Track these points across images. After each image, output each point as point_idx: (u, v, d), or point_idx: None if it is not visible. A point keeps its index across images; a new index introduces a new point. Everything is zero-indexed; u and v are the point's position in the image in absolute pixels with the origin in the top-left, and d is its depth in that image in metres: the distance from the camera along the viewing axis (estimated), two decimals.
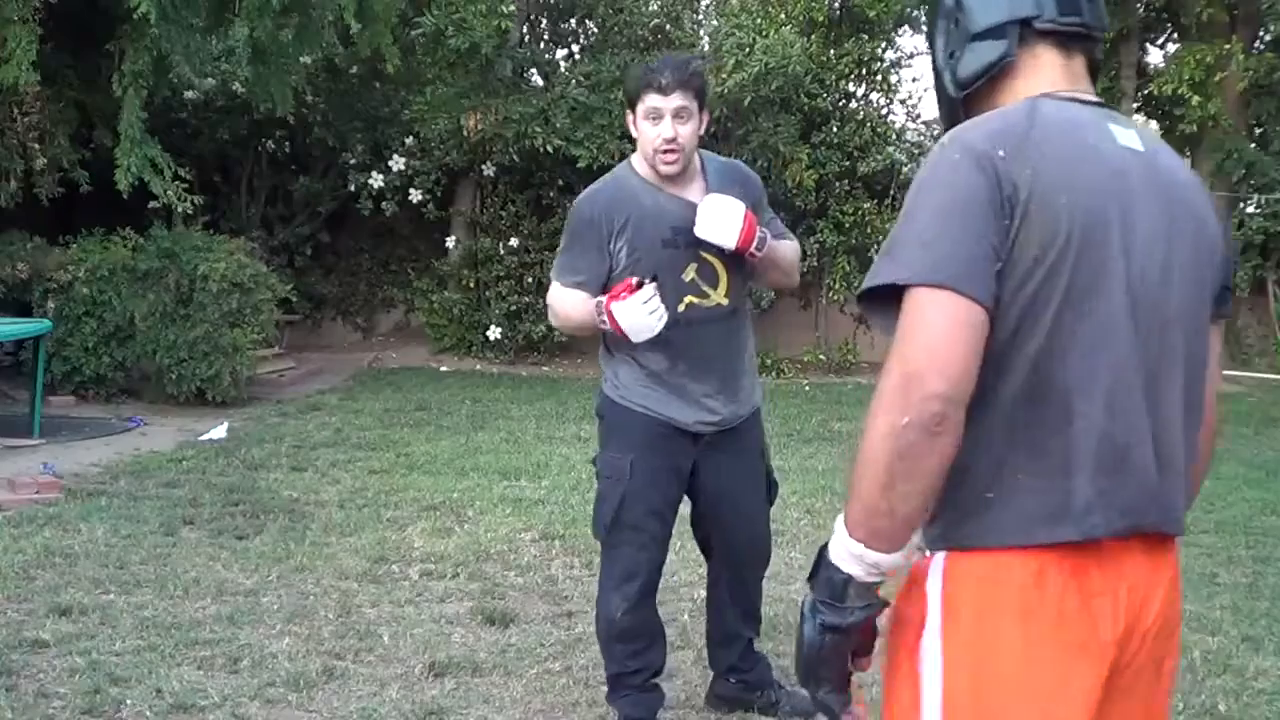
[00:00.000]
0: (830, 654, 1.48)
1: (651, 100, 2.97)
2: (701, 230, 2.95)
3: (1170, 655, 1.54)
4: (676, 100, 2.97)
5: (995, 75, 1.55)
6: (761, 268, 3.14)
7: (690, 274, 3.04)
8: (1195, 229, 1.50)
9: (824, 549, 1.47)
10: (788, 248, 3.26)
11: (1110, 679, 1.41)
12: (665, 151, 2.99)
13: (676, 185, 3.06)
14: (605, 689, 3.33)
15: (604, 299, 2.97)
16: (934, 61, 1.64)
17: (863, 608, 1.46)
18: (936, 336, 1.35)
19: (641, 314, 2.91)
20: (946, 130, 1.55)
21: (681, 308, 3.03)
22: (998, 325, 1.39)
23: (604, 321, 2.97)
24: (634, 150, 3.13)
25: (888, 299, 1.41)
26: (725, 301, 3.10)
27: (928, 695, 1.44)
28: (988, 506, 1.41)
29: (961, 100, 1.59)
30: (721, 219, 2.94)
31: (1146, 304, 1.42)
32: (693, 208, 2.99)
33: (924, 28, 2.16)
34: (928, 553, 1.48)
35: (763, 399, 3.35)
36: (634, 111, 3.04)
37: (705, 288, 3.06)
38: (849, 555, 1.42)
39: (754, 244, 2.98)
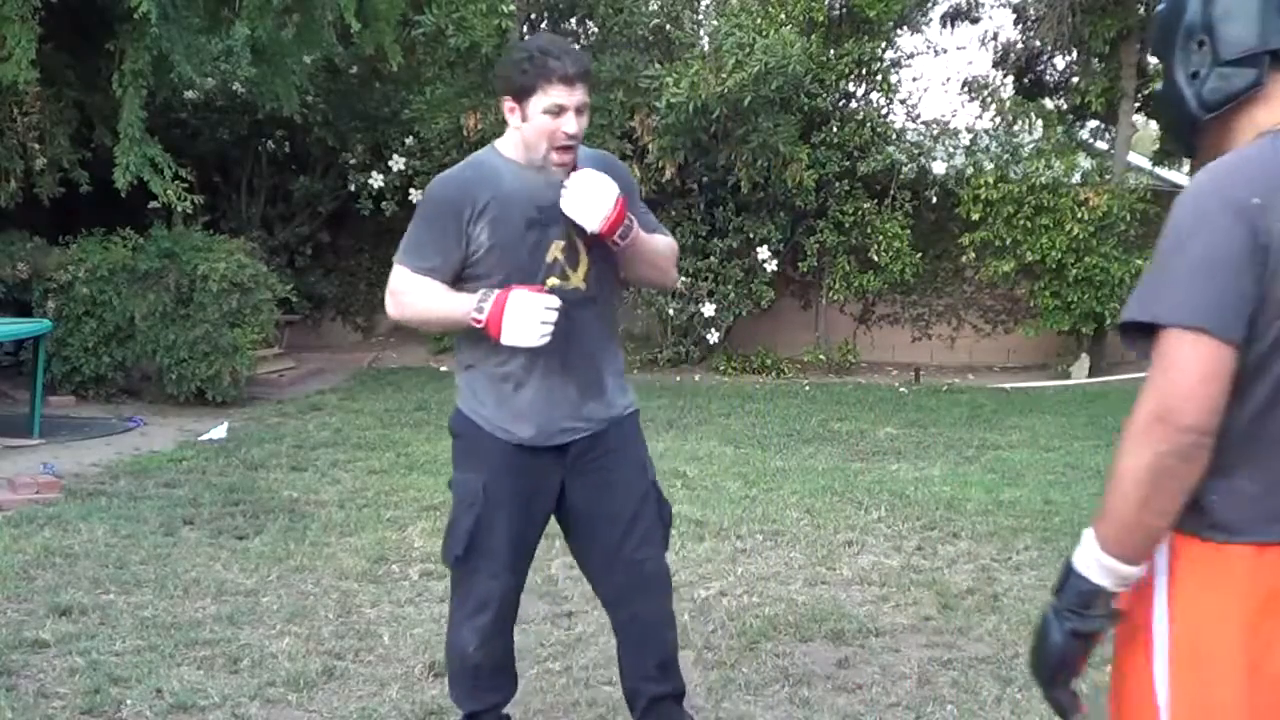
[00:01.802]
0: (1073, 658, 1.65)
1: (558, 94, 2.71)
2: (568, 205, 2.72)
3: None
4: (580, 95, 2.74)
5: (1240, 102, 1.65)
6: (628, 259, 2.90)
7: (554, 254, 2.82)
8: None
9: (1070, 563, 1.64)
10: (661, 242, 2.99)
11: None
12: (565, 148, 2.76)
13: (540, 169, 2.83)
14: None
15: (493, 291, 2.71)
16: (1171, 79, 1.71)
17: (1106, 616, 1.63)
18: (1193, 376, 1.52)
19: (537, 314, 2.66)
20: (1175, 145, 1.71)
21: (545, 288, 2.80)
22: (1247, 357, 1.55)
23: (480, 312, 2.69)
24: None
25: (1142, 330, 1.58)
26: (583, 286, 2.85)
27: (1158, 655, 1.61)
28: (1214, 506, 1.58)
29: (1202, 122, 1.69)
30: (590, 197, 2.72)
31: None
32: (559, 187, 2.77)
33: (1152, 44, 2.06)
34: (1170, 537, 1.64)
35: (636, 403, 3.04)
36: (522, 102, 2.75)
37: (567, 269, 2.84)
38: (1100, 568, 1.60)
39: (619, 231, 2.77)
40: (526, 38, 13.25)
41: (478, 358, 2.87)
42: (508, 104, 2.81)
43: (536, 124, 2.75)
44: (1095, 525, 1.60)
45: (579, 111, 2.76)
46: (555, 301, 2.69)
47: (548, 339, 2.69)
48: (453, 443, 2.98)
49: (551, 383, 2.84)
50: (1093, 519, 1.62)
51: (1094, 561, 1.60)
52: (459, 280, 2.82)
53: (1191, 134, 1.72)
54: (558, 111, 2.73)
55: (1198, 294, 1.53)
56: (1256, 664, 1.56)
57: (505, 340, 2.69)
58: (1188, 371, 1.52)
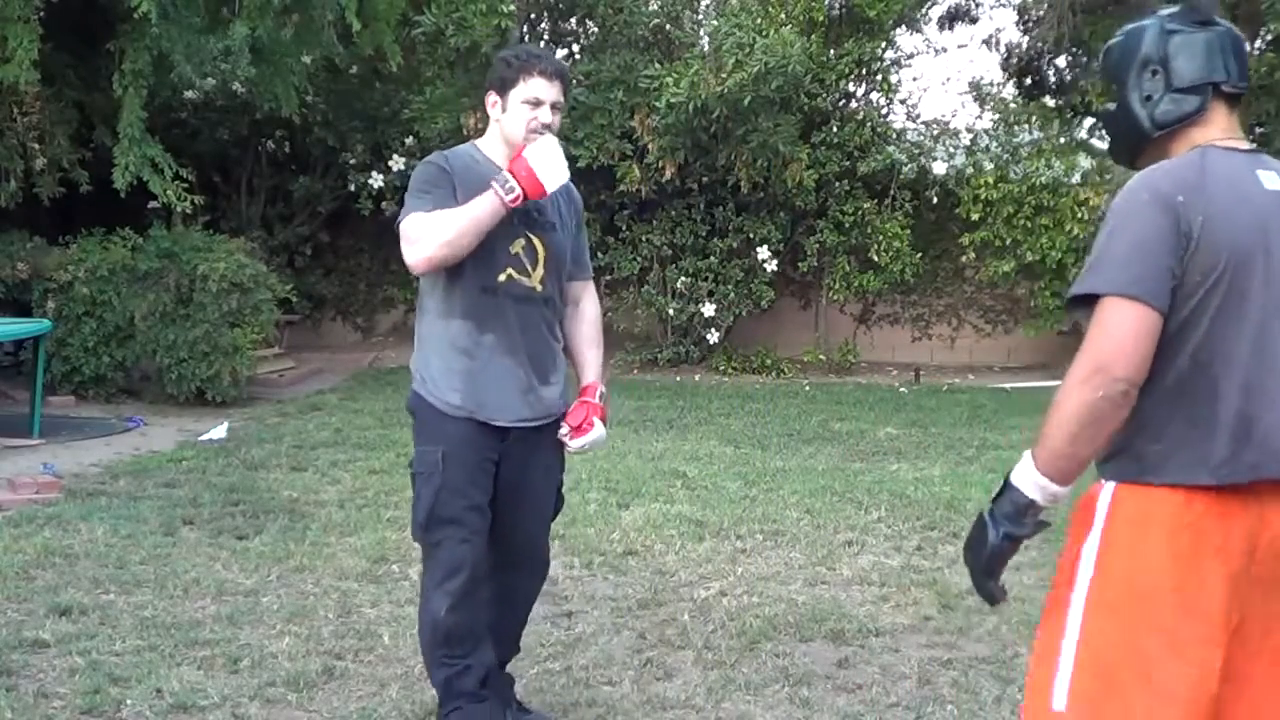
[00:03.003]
0: (1004, 556, 1.98)
1: (536, 86, 2.96)
2: (533, 152, 2.92)
3: None
4: (556, 92, 2.99)
5: (1184, 123, 2.00)
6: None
7: (516, 248, 3.02)
8: None
9: (1008, 479, 1.97)
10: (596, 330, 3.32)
11: (1241, 578, 1.86)
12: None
13: None
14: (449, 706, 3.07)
15: (504, 173, 2.91)
16: (1125, 101, 2.05)
17: (1035, 525, 1.97)
18: (1128, 335, 1.85)
19: (556, 153, 2.92)
20: (1119, 157, 2.14)
21: (502, 278, 2.99)
22: (1169, 325, 1.88)
23: (510, 192, 2.88)
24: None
25: (1085, 303, 1.90)
26: (540, 288, 3.06)
27: (1084, 563, 1.94)
28: (1152, 455, 1.90)
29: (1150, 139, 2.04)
30: (556, 158, 2.95)
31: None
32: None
33: (1106, 70, 2.31)
34: (1102, 482, 1.97)
35: (567, 408, 3.19)
36: (505, 93, 3.00)
37: (526, 265, 3.03)
38: (1034, 485, 1.93)
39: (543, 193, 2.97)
40: (525, 38, 13.28)
41: (439, 338, 3.04)
42: (491, 98, 3.05)
43: (515, 113, 2.99)
44: (1034, 450, 1.92)
45: (554, 108, 3.00)
46: (554, 139, 2.95)
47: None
48: (412, 423, 3.12)
49: (505, 365, 3.02)
50: (1035, 444, 1.93)
51: (1030, 480, 1.93)
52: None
53: (1138, 148, 2.06)
54: (536, 103, 2.97)
55: (1132, 269, 1.86)
56: (1183, 591, 1.84)
57: (549, 186, 2.91)
58: (1122, 331, 1.85)
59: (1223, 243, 1.87)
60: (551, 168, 2.92)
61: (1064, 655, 1.90)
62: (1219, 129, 2.00)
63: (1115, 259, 1.89)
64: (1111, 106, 2.10)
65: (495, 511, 3.09)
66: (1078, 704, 1.87)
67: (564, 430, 3.12)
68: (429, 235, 2.90)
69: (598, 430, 3.13)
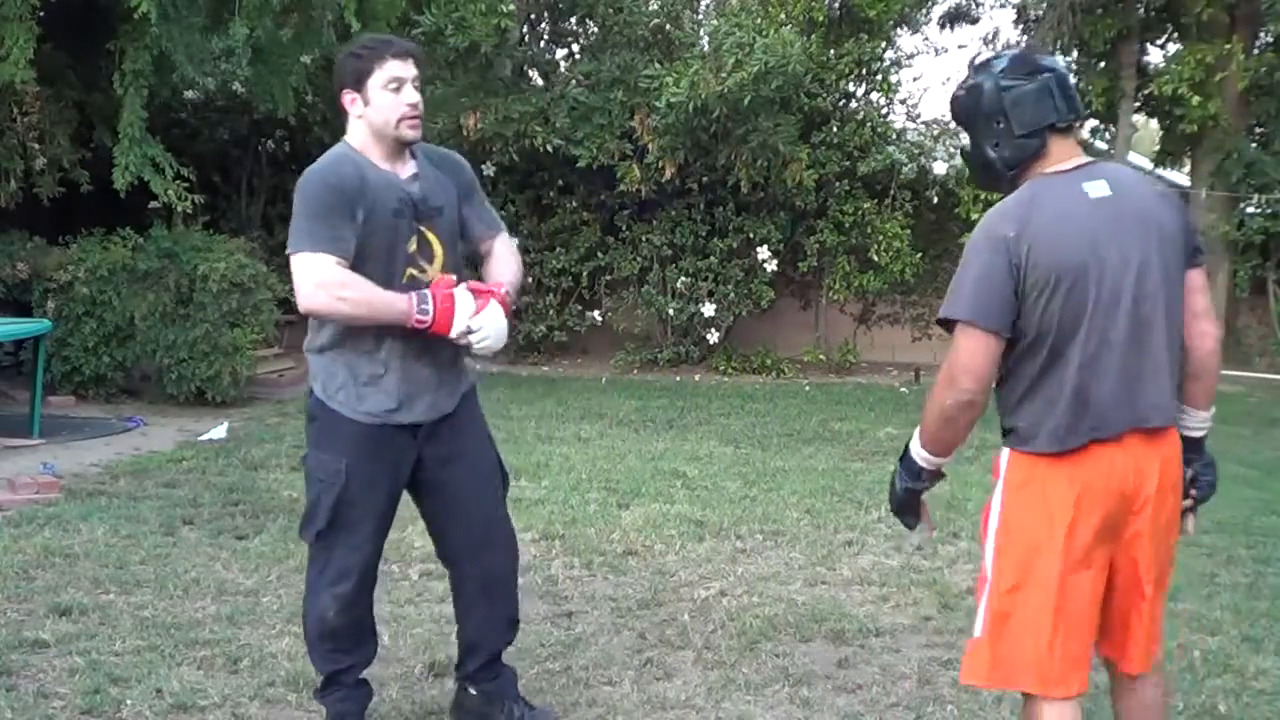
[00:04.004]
0: (910, 503, 2.63)
1: (394, 68, 2.91)
2: (482, 346, 2.92)
3: (1172, 507, 2.46)
4: (413, 69, 2.95)
5: (1029, 160, 2.42)
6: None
7: (412, 246, 2.96)
8: (1159, 231, 2.37)
9: (907, 446, 2.57)
10: (513, 263, 3.18)
11: (1103, 516, 2.35)
12: (412, 118, 2.94)
13: (390, 163, 2.99)
14: (321, 692, 3.14)
15: (426, 292, 2.86)
16: (978, 145, 2.48)
17: (929, 479, 2.58)
18: (969, 354, 2.35)
19: (503, 320, 2.90)
20: (982, 186, 2.67)
21: (404, 279, 2.94)
22: (1024, 332, 2.35)
23: (425, 314, 2.84)
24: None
25: (948, 323, 2.40)
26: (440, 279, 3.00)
27: (993, 516, 2.46)
28: (1025, 430, 2.41)
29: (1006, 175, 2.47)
30: (500, 334, 2.93)
31: (1116, 304, 2.32)
32: (411, 181, 2.98)
33: (958, 117, 2.66)
34: (1002, 449, 2.49)
35: (479, 380, 3.23)
36: (361, 87, 2.93)
37: (423, 263, 2.98)
38: (921, 456, 2.54)
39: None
40: (525, 38, 13.28)
41: (342, 344, 2.97)
42: (348, 97, 2.96)
43: (380, 102, 2.92)
44: (918, 429, 2.51)
45: (415, 85, 2.95)
46: (502, 314, 2.92)
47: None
48: (308, 425, 3.07)
49: (411, 366, 2.97)
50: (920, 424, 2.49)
51: (918, 453, 2.54)
52: None
53: (997, 183, 2.49)
54: (397, 86, 2.92)
55: (972, 300, 2.33)
56: (1058, 529, 2.34)
57: (480, 347, 2.89)
58: (966, 351, 2.35)
59: (1049, 262, 2.29)
60: (491, 330, 2.87)
61: (983, 591, 2.43)
62: (1054, 159, 2.41)
63: (963, 292, 2.35)
64: (969, 149, 2.54)
65: (439, 506, 3.12)
66: (991, 626, 2.40)
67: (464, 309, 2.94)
68: (345, 296, 2.84)
69: (494, 317, 2.92)
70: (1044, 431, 2.36)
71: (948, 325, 2.38)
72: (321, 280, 2.88)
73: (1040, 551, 2.34)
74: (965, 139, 2.58)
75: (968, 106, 2.47)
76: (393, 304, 2.85)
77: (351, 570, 3.00)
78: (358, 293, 2.85)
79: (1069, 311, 2.30)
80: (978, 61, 2.52)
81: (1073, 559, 2.33)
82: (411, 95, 2.94)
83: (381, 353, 2.95)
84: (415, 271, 2.97)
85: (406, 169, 3.02)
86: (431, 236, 3.00)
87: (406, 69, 2.94)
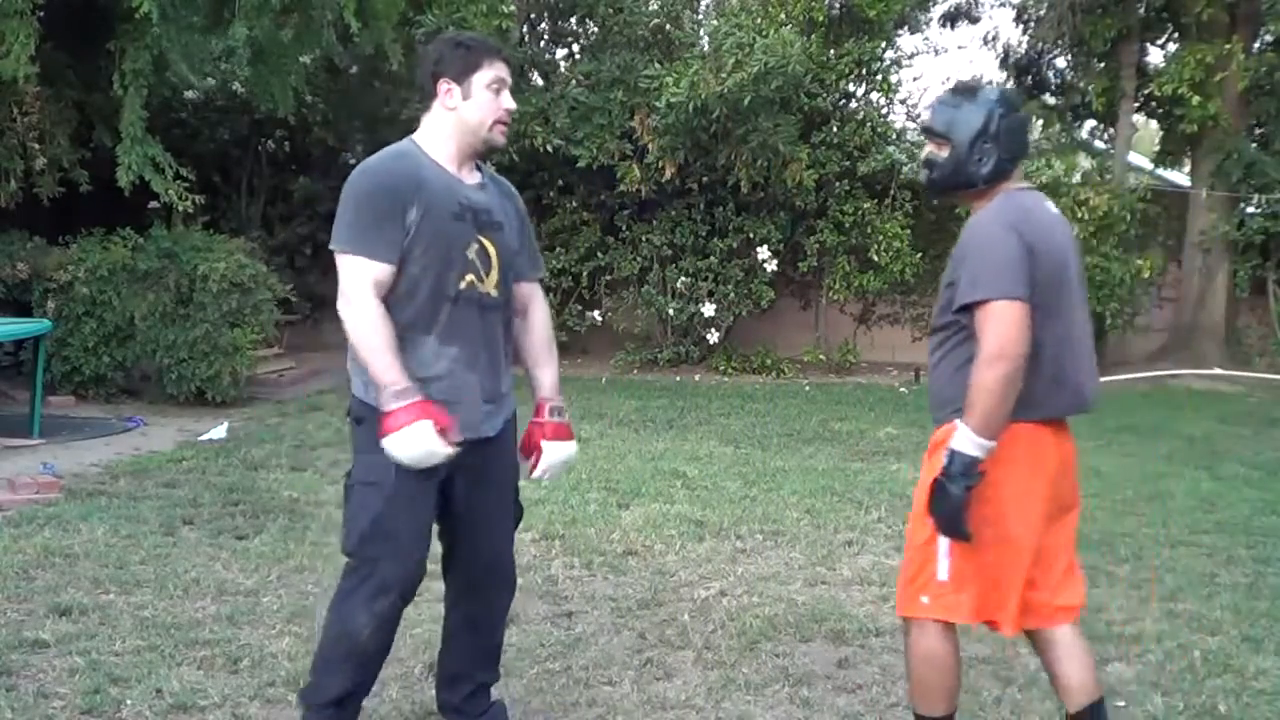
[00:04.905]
0: (966, 505, 2.69)
1: (501, 69, 2.87)
2: (551, 475, 3.06)
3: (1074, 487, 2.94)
4: (509, 76, 2.92)
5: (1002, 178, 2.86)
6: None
7: (472, 253, 2.87)
8: (1075, 249, 2.88)
9: (953, 449, 2.69)
10: (548, 332, 3.18)
11: (1055, 478, 2.81)
12: (505, 125, 2.91)
13: (457, 168, 2.91)
14: (329, 706, 2.94)
15: (417, 395, 2.70)
16: (958, 157, 2.84)
17: (979, 475, 2.69)
18: (1016, 325, 2.64)
19: (432, 451, 2.69)
20: (937, 195, 3.07)
21: (463, 285, 2.84)
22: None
23: (398, 401, 2.68)
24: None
25: (967, 308, 2.72)
26: (494, 293, 2.92)
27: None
28: (1020, 403, 2.69)
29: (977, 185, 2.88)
30: (565, 467, 3.08)
31: (1078, 301, 2.84)
32: (476, 189, 2.90)
33: (944, 129, 2.78)
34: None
35: (515, 411, 3.09)
36: (464, 80, 2.84)
37: (482, 271, 2.89)
38: (976, 445, 2.67)
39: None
40: (525, 38, 13.28)
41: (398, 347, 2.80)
42: (445, 86, 2.86)
43: (480, 100, 2.86)
44: (967, 422, 2.67)
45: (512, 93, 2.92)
46: (452, 453, 2.72)
47: (446, 457, 2.72)
48: (354, 428, 2.95)
49: (467, 380, 2.89)
50: (964, 417, 2.67)
51: (972, 443, 2.67)
52: None
53: (960, 193, 2.91)
54: (499, 88, 2.87)
55: (1010, 277, 2.65)
56: (1040, 483, 2.77)
57: (388, 449, 2.69)
58: (1012, 323, 2.63)
59: (1049, 257, 2.71)
60: (411, 446, 2.68)
61: (941, 541, 2.75)
62: (1017, 179, 2.88)
63: (994, 272, 2.66)
64: (943, 157, 2.86)
65: (455, 523, 3.00)
66: (956, 568, 2.76)
67: (521, 462, 3.06)
68: (360, 325, 2.74)
69: (552, 453, 3.01)
70: (1026, 403, 2.70)
71: (973, 309, 2.69)
72: (350, 293, 2.76)
73: (1012, 504, 2.76)
74: (930, 148, 2.91)
75: (963, 121, 2.82)
76: (387, 369, 2.71)
77: (393, 585, 2.84)
78: (371, 331, 2.73)
79: (1056, 302, 2.74)
80: (962, 86, 2.93)
81: (1040, 513, 2.80)
82: (510, 101, 2.90)
83: (437, 361, 2.85)
84: (474, 278, 2.86)
85: (473, 177, 2.93)
86: (492, 249, 2.90)
87: (509, 74, 2.90)
